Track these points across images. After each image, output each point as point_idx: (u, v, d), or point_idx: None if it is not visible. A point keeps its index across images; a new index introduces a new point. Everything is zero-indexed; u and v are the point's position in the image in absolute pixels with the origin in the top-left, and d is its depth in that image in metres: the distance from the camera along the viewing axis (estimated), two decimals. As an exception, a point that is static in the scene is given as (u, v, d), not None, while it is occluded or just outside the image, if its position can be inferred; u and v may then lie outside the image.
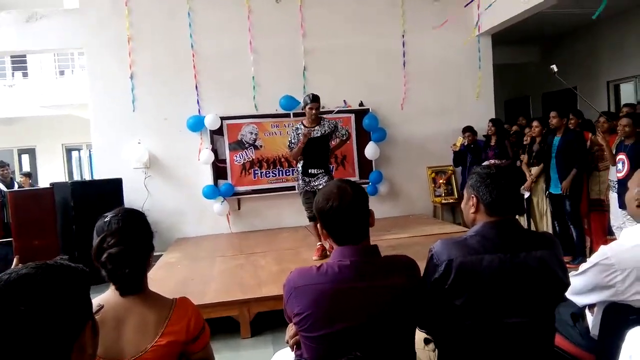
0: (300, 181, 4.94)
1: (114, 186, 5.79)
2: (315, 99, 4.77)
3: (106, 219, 1.55)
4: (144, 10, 6.56)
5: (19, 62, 12.62)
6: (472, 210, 1.77)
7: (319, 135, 4.78)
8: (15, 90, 12.34)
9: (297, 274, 1.63)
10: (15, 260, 1.79)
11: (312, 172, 4.83)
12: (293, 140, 4.89)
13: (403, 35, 7.12)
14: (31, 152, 13.52)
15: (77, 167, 14.08)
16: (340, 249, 1.63)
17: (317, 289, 1.54)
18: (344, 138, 5.02)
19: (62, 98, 11.52)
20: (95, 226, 1.56)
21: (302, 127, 4.82)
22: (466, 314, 1.66)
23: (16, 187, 6.75)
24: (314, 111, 4.73)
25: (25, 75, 12.84)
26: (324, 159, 4.91)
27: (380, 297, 1.56)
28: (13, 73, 12.87)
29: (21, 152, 13.46)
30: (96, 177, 6.50)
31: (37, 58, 12.34)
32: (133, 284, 1.52)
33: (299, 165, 4.94)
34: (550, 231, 5.53)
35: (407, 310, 1.62)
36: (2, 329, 0.82)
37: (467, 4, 7.01)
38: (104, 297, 1.53)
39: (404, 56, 7.13)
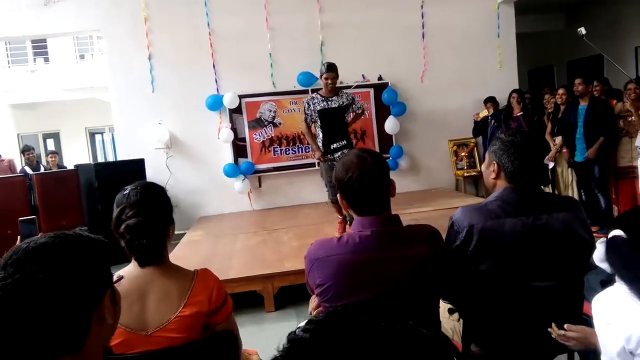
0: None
1: (137, 167, 5.86)
2: (330, 67, 4.48)
3: (125, 192, 1.57)
4: (160, -10, 6.53)
5: (40, 48, 12.80)
6: (493, 176, 1.74)
7: (336, 106, 4.56)
8: (37, 76, 12.54)
9: (318, 245, 1.62)
10: (39, 235, 1.83)
11: (335, 146, 4.58)
12: (307, 112, 4.61)
13: (422, 7, 6.94)
14: (55, 136, 13.79)
15: (100, 149, 14.33)
16: (361, 219, 1.60)
17: (338, 259, 1.53)
18: (359, 112, 4.83)
19: (84, 81, 11.68)
20: (115, 199, 1.57)
21: (319, 97, 4.60)
22: (491, 279, 1.66)
23: (42, 170, 6.90)
24: (329, 81, 4.48)
25: (46, 60, 13.03)
26: (345, 131, 4.67)
27: (402, 267, 1.54)
28: (35, 59, 13.06)
29: (46, 136, 13.75)
30: (119, 158, 6.58)
31: (57, 43, 12.48)
32: (151, 254, 1.54)
33: (320, 142, 4.68)
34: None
35: (431, 279, 1.60)
36: (21, 296, 0.82)
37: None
38: (126, 270, 1.55)
39: (423, 28, 6.98)
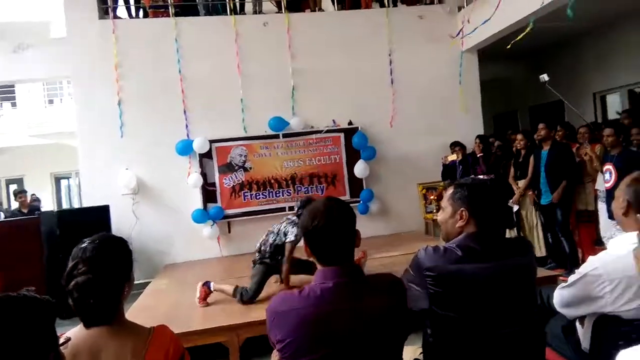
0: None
1: (102, 213, 5.72)
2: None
3: (82, 245, 1.51)
4: (131, 37, 6.61)
5: (7, 92, 12.62)
6: (461, 224, 1.75)
7: None
8: (3, 121, 12.31)
9: (279, 298, 1.58)
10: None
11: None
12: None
13: (390, 54, 7.19)
14: (19, 182, 13.42)
15: (66, 195, 13.99)
16: (323, 271, 1.58)
17: (299, 313, 1.50)
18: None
19: (51, 127, 11.53)
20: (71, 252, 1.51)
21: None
22: (456, 325, 1.64)
23: (2, 217, 6.68)
24: None
25: (14, 105, 12.84)
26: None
27: (364, 319, 1.51)
28: (1, 103, 12.86)
29: (9, 182, 13.37)
30: (84, 204, 6.43)
31: (26, 87, 12.35)
32: (98, 315, 1.46)
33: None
34: (543, 244, 5.51)
35: (394, 329, 1.58)
36: None
37: (455, 36, 7.09)
38: (76, 330, 1.47)
39: (391, 74, 7.19)
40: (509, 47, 5.89)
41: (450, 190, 1.84)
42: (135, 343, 1.49)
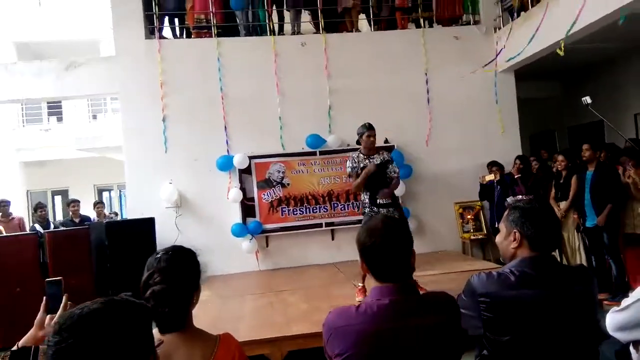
0: (367, 209, 4.64)
1: (147, 225, 5.91)
2: (371, 126, 4.69)
3: (157, 256, 1.61)
4: (176, 56, 6.88)
5: (54, 107, 13.21)
6: (514, 245, 1.78)
7: (378, 162, 4.63)
8: (50, 134, 12.87)
9: (336, 314, 1.64)
10: (64, 298, 1.87)
11: (381, 202, 4.60)
12: (352, 166, 4.68)
13: (426, 73, 7.25)
14: (64, 193, 13.93)
15: (107, 206, 14.42)
16: (380, 288, 1.63)
17: (357, 329, 1.55)
18: (395, 175, 4.71)
19: (95, 141, 11.95)
20: (146, 261, 1.62)
21: (362, 155, 4.70)
22: (511, 350, 1.67)
23: (52, 227, 6.98)
24: (371, 138, 4.65)
25: (59, 120, 13.41)
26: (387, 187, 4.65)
27: (421, 336, 1.56)
28: (48, 118, 13.46)
29: (54, 193, 13.90)
30: (129, 216, 6.66)
31: (72, 103, 12.91)
32: (172, 322, 1.55)
33: (366, 197, 4.68)
34: (585, 267, 5.42)
35: (449, 346, 1.61)
36: None
37: (486, 65, 7.11)
38: (156, 334, 1.56)
39: (427, 93, 7.24)
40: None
41: (506, 212, 1.88)
42: (204, 349, 1.58)
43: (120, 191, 13.59)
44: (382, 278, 1.64)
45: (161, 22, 7.22)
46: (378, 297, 1.62)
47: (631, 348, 1.97)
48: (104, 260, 5.45)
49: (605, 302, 3.90)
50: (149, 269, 1.59)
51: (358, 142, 4.85)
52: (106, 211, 8.46)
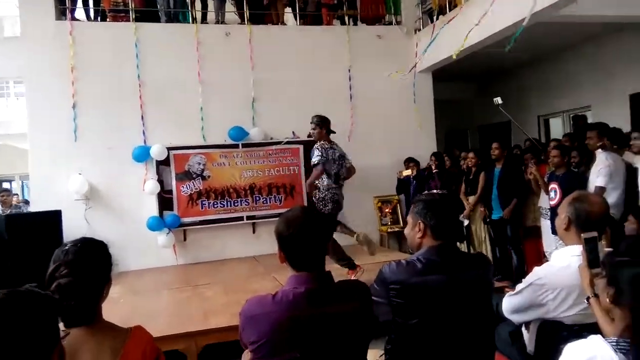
0: (331, 204, 4.83)
1: (53, 218, 5.53)
2: (312, 119, 5.02)
3: (65, 248, 1.55)
4: (89, 40, 6.48)
5: (-52, 89, 11.96)
6: (419, 235, 1.88)
7: (339, 154, 4.93)
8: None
9: (253, 302, 1.66)
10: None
11: (341, 183, 4.94)
12: (324, 154, 4.75)
13: (349, 70, 7.39)
14: (-41, 183, 12.67)
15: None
16: (296, 277, 1.67)
17: (272, 317, 1.58)
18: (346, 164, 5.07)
19: (-4, 127, 11.00)
20: (53, 253, 1.54)
21: (327, 144, 4.85)
22: (418, 332, 1.76)
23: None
24: (310, 130, 4.99)
25: (-46, 102, 12.17)
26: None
27: (333, 323, 1.61)
28: (-59, 100, 12.16)
29: (-52, 183, 12.59)
30: (34, 209, 6.19)
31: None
32: (79, 316, 1.50)
33: (324, 183, 4.82)
34: (490, 257, 5.82)
35: (361, 333, 1.68)
36: None
37: (411, 69, 7.40)
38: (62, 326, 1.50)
39: (350, 90, 7.39)
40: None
41: (412, 205, 1.98)
42: (113, 342, 1.53)
43: (22, 182, 12.57)
44: (299, 267, 1.68)
45: (74, 4, 6.76)
46: (294, 285, 1.66)
47: (523, 329, 2.15)
48: (3, 257, 5.01)
49: (507, 289, 4.21)
50: (55, 261, 1.52)
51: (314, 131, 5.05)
52: (14, 200, 7.73)
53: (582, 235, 1.77)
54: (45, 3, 6.41)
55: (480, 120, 10.36)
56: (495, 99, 5.30)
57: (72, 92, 6.36)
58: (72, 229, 5.85)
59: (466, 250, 5.94)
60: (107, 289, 1.60)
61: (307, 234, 1.64)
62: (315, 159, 4.76)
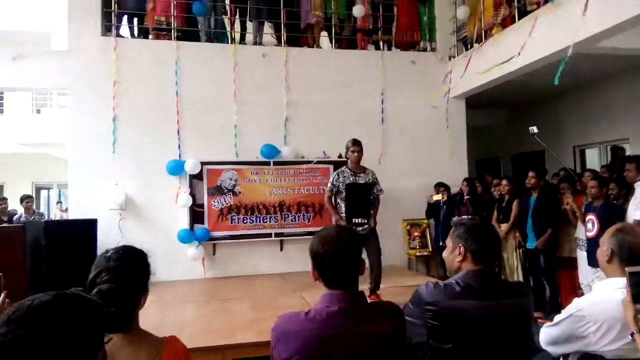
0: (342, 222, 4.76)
1: (88, 227, 5.67)
2: (357, 142, 4.86)
3: (107, 255, 1.59)
4: (132, 56, 6.71)
5: (-4, 99, 12.52)
6: (459, 259, 1.87)
7: (363, 182, 4.81)
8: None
9: (285, 319, 1.67)
10: (2, 295, 1.78)
11: (357, 221, 4.72)
12: (334, 183, 4.84)
13: (382, 94, 7.44)
14: None
15: (45, 205, 13.73)
16: (329, 295, 1.68)
17: (305, 335, 1.58)
18: (380, 194, 5.03)
19: (37, 136, 11.41)
20: (95, 260, 1.59)
21: (349, 171, 4.85)
22: (449, 357, 1.74)
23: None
24: (356, 154, 4.81)
25: (0, 112, 12.70)
26: (368, 209, 4.82)
27: (367, 343, 1.61)
28: (-11, 110, 12.72)
29: (-12, 188, 13.07)
30: (70, 216, 6.37)
31: (14, 95, 12.27)
32: (117, 323, 1.53)
33: (342, 212, 4.84)
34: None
35: (393, 354, 1.67)
36: (19, 353, 0.85)
37: (446, 94, 7.41)
38: None
39: (382, 113, 7.43)
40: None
41: (452, 229, 1.97)
42: (149, 351, 1.56)
43: (60, 190, 12.97)
44: (332, 285, 1.69)
45: (119, 21, 7.04)
46: (327, 304, 1.66)
47: (561, 360, 2.09)
48: (39, 262, 5.17)
49: (540, 320, 4.10)
50: (97, 267, 1.56)
51: (346, 156, 5.02)
52: (58, 207, 8.05)
53: (626, 268, 1.73)
54: (93, 19, 6.69)
55: (513, 148, 10.22)
56: (530, 128, 5.26)
57: (113, 105, 6.58)
58: (107, 238, 6.00)
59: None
60: (144, 298, 1.63)
61: (342, 252, 1.66)
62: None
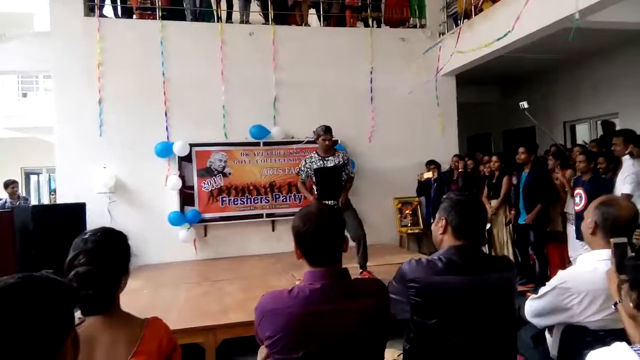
0: None
1: (77, 211, 5.63)
2: (328, 130, 4.92)
3: (84, 237, 1.55)
4: (116, 36, 6.58)
5: (-20, 83, 12.30)
6: (441, 231, 1.86)
7: (332, 165, 4.93)
8: (-26, 111, 11.97)
9: (269, 297, 1.66)
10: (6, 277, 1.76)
11: (328, 203, 4.74)
12: (302, 168, 5.03)
13: (371, 72, 7.36)
14: (-13, 175, 13.00)
15: (35, 190, 13.62)
16: (312, 272, 1.67)
17: (288, 312, 1.57)
18: (352, 175, 5.17)
19: (24, 121, 11.25)
20: (73, 242, 1.55)
21: (317, 156, 4.96)
22: (436, 333, 1.73)
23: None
24: (327, 142, 4.90)
25: (-15, 96, 12.50)
26: (339, 190, 4.95)
27: (350, 319, 1.60)
28: (-28, 94, 12.50)
29: (-24, 174, 12.93)
30: (59, 201, 6.32)
31: (0, 79, 12.06)
32: (95, 305, 1.50)
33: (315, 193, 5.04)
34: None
35: (377, 330, 1.66)
36: None
37: (426, 51, 7.34)
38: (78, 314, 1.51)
39: (371, 91, 7.36)
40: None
41: (441, 202, 1.96)
42: (129, 332, 1.53)
43: (49, 175, 12.85)
44: (315, 262, 1.67)
45: (102, 0, 6.89)
46: (310, 281, 1.65)
47: (546, 332, 2.11)
48: (28, 246, 5.14)
49: (528, 293, 4.14)
50: (74, 249, 1.52)
51: (315, 142, 5.06)
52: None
53: (611, 240, 1.72)
54: (75, -1, 6.54)
55: (504, 124, 10.22)
56: (521, 103, 5.23)
57: (98, 87, 6.48)
58: (96, 222, 5.95)
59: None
60: (124, 280, 1.59)
61: (323, 230, 1.64)
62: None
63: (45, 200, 12.22)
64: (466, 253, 1.82)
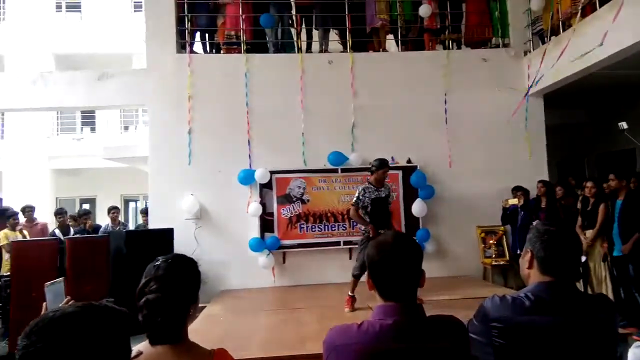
0: (366, 233, 5.18)
1: (166, 236, 5.97)
2: (386, 164, 5.28)
3: (156, 263, 1.55)
4: (205, 71, 7.01)
5: (88, 118, 13.63)
6: (527, 265, 1.70)
7: (384, 195, 5.21)
8: (82, 144, 13.25)
9: (337, 332, 1.58)
10: (65, 300, 1.87)
11: (381, 232, 4.78)
12: (361, 197, 5.17)
13: (445, 94, 7.16)
14: (92, 202, 14.24)
15: (133, 216, 14.67)
16: (383, 307, 1.57)
17: (357, 349, 1.49)
18: (390, 201, 5.45)
19: (125, 151, 12.24)
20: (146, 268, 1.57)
21: (372, 186, 5.20)
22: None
23: (72, 233, 7.08)
24: (387, 175, 5.27)
25: (93, 130, 13.80)
26: (389, 219, 5.28)
27: (423, 360, 1.50)
28: (82, 128, 13.87)
29: (83, 201, 14.23)
30: (150, 226, 6.74)
31: (104, 114, 13.28)
32: (164, 334, 1.48)
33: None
34: (612, 299, 5.18)
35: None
36: None
37: (528, 91, 7.02)
38: (142, 346, 1.49)
39: (447, 114, 7.16)
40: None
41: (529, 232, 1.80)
42: None
43: (145, 202, 13.81)
44: (387, 296, 1.58)
45: (192, 38, 7.39)
46: (381, 316, 1.56)
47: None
48: (121, 269, 5.49)
49: (634, 337, 3.70)
50: (146, 276, 1.53)
51: (371, 171, 5.29)
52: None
53: None
54: (168, 38, 7.08)
55: (599, 148, 9.44)
56: (620, 124, 4.84)
57: (188, 119, 6.90)
58: (183, 246, 6.27)
59: (583, 291, 5.37)
60: (194, 309, 1.58)
61: (398, 261, 1.54)
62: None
63: (139, 221, 13.12)
64: (556, 290, 1.64)
